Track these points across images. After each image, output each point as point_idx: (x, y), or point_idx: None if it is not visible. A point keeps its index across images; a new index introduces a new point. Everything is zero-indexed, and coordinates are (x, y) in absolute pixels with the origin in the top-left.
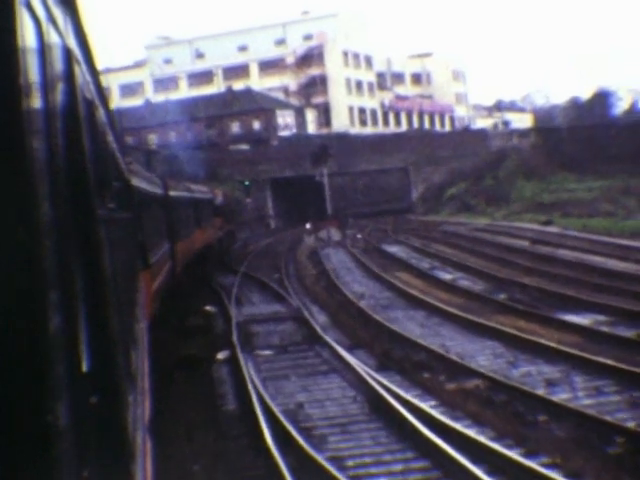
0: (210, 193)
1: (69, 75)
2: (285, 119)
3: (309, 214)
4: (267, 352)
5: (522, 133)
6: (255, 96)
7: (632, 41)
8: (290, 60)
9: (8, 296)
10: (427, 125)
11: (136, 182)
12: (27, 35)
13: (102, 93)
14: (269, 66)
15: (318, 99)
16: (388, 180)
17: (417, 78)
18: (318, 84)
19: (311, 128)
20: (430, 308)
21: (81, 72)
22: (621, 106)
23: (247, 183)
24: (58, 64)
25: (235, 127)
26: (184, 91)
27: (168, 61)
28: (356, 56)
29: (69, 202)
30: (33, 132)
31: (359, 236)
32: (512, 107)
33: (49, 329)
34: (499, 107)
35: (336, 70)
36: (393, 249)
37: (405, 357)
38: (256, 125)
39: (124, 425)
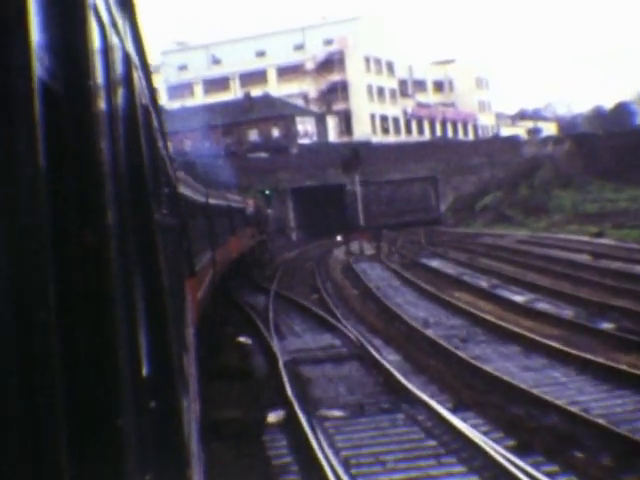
0: (242, 202)
1: (128, 80)
2: (305, 126)
3: (333, 226)
4: (336, 413)
5: (557, 140)
6: (274, 102)
7: None
8: (309, 66)
9: (77, 299)
10: (450, 134)
11: (182, 189)
12: (94, 39)
13: (155, 98)
14: (288, 72)
15: (339, 106)
16: (415, 190)
17: (439, 85)
18: (339, 91)
19: (332, 136)
20: (524, 342)
21: (138, 77)
22: None
23: (268, 192)
24: (119, 68)
25: (253, 135)
26: (199, 98)
27: (183, 67)
28: (378, 62)
29: (131, 206)
30: (101, 136)
31: (392, 249)
32: (536, 115)
33: (116, 333)
34: (523, 115)
35: (357, 76)
36: (435, 264)
37: (535, 423)
38: (275, 132)
39: (181, 430)
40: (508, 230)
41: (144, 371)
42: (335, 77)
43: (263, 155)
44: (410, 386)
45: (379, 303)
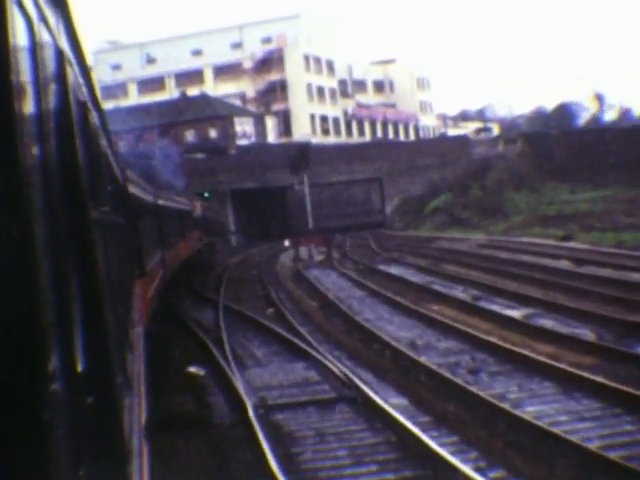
0: (190, 205)
1: (61, 76)
2: (244, 127)
3: (275, 230)
4: None
5: (508, 140)
6: (211, 102)
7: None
8: (247, 65)
9: (3, 297)
10: (391, 135)
11: (131, 188)
12: (18, 34)
13: (95, 95)
14: (225, 71)
15: (278, 106)
16: (359, 192)
17: (379, 86)
18: (278, 90)
19: (271, 137)
20: (556, 375)
21: (73, 73)
22: (585, 117)
23: (207, 195)
24: (50, 64)
25: (190, 135)
26: (134, 98)
27: (117, 67)
28: (317, 61)
29: (62, 204)
30: (25, 133)
31: (342, 254)
32: (478, 117)
33: (44, 328)
34: (465, 116)
35: (297, 75)
36: (395, 270)
37: None
38: (213, 133)
39: (120, 426)
40: (463, 234)
41: (79, 366)
42: (274, 76)
43: (200, 156)
44: (440, 450)
45: (347, 319)
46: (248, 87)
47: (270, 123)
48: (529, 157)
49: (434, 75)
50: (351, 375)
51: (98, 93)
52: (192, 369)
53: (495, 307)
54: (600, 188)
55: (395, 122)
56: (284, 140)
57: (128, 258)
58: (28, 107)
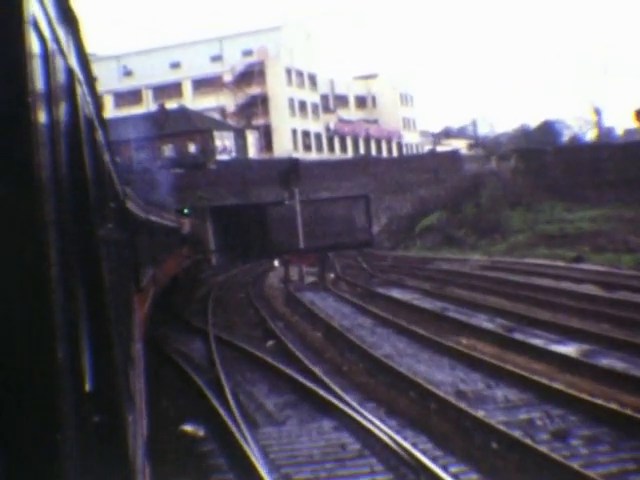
0: (177, 222)
1: (72, 94)
2: (224, 142)
3: (257, 248)
4: None
5: (502, 156)
6: (190, 116)
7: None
8: (227, 78)
9: (15, 316)
10: (374, 152)
11: (129, 204)
12: (34, 54)
13: (101, 113)
14: (204, 85)
15: (258, 121)
16: (343, 210)
17: (362, 101)
18: (258, 104)
19: (252, 152)
20: None
21: (82, 92)
22: (568, 134)
23: (186, 211)
24: (62, 83)
25: (168, 150)
26: (110, 112)
27: None
28: (300, 74)
29: (72, 220)
30: (40, 150)
31: (332, 275)
32: (461, 134)
33: (56, 348)
34: (448, 134)
35: (278, 89)
36: (398, 294)
37: None
38: (192, 148)
39: (126, 444)
40: (459, 254)
41: (87, 386)
42: (255, 90)
43: (179, 171)
44: None
45: (365, 355)
46: (228, 101)
47: (251, 138)
48: (523, 174)
49: (417, 91)
50: (402, 441)
51: (103, 110)
52: (187, 427)
53: (538, 341)
54: (598, 206)
55: (378, 139)
56: (265, 156)
57: (128, 274)
58: (42, 126)
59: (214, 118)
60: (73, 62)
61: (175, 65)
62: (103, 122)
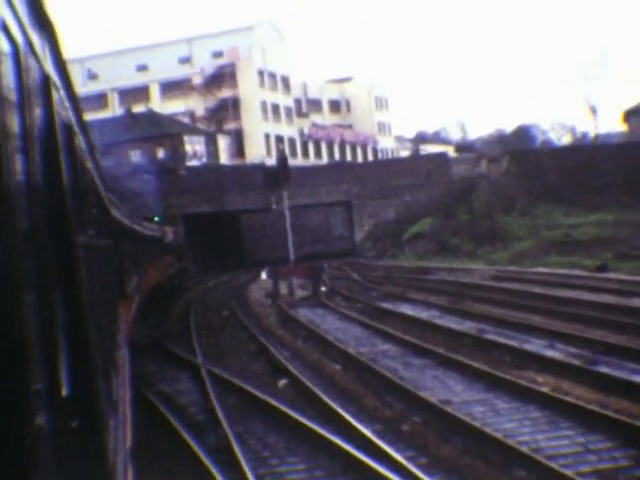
0: (159, 230)
1: (47, 99)
2: (194, 147)
3: (234, 259)
4: None
5: (492, 158)
6: (159, 120)
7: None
8: (197, 81)
9: None
10: (349, 157)
11: (114, 212)
12: (3, 57)
13: (82, 119)
14: (172, 88)
15: (230, 125)
16: (322, 217)
17: (335, 105)
18: (230, 108)
19: (223, 158)
20: None
21: (59, 97)
22: (541, 139)
23: (157, 219)
24: (35, 88)
25: (136, 155)
26: None
27: None
28: (272, 76)
29: (46, 227)
30: (10, 156)
31: (323, 288)
32: (435, 139)
33: (28, 352)
34: (423, 138)
35: (250, 92)
36: (410, 311)
37: None
38: (161, 153)
39: (104, 449)
40: (457, 263)
41: (64, 391)
42: (225, 93)
43: (147, 177)
44: None
45: (419, 404)
46: (198, 105)
47: (222, 143)
48: (515, 177)
49: (392, 95)
50: None
51: (84, 116)
52: None
53: (630, 375)
54: (596, 210)
55: (353, 144)
56: (238, 161)
57: (112, 281)
58: (13, 131)
59: (184, 122)
60: (49, 67)
61: (142, 68)
62: (84, 127)
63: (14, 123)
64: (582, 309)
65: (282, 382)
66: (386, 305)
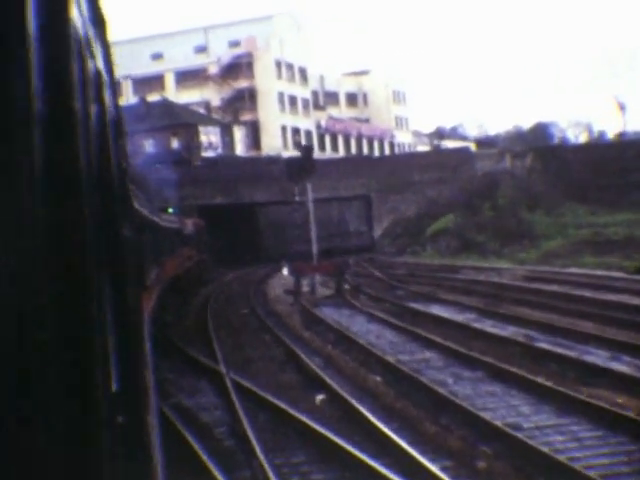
0: (178, 222)
1: (99, 97)
2: (209, 137)
3: (245, 253)
4: None
5: (516, 154)
6: (174, 109)
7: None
8: (213, 70)
9: (56, 316)
10: (366, 151)
11: (136, 204)
12: (73, 57)
13: (120, 116)
14: (188, 77)
15: (246, 117)
16: (338, 211)
17: (352, 98)
18: (246, 99)
19: (239, 149)
20: None
21: (108, 94)
22: (559, 136)
23: (171, 210)
24: (92, 86)
25: (149, 145)
26: None
27: None
28: (290, 67)
29: (100, 221)
30: (80, 155)
31: (346, 286)
32: (453, 134)
33: (92, 350)
34: (441, 134)
35: (267, 83)
36: (442, 312)
37: None
38: (175, 143)
39: (148, 445)
40: (482, 262)
41: (113, 386)
42: (242, 84)
43: (160, 167)
44: None
45: (485, 430)
46: (213, 95)
47: (238, 134)
48: (540, 173)
49: (409, 89)
50: None
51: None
52: None
53: None
54: (624, 210)
55: (370, 138)
56: (253, 153)
57: (137, 273)
58: (79, 129)
59: (199, 112)
60: (100, 64)
61: (157, 56)
62: (121, 124)
63: (80, 122)
64: (633, 315)
65: (319, 397)
66: (416, 306)
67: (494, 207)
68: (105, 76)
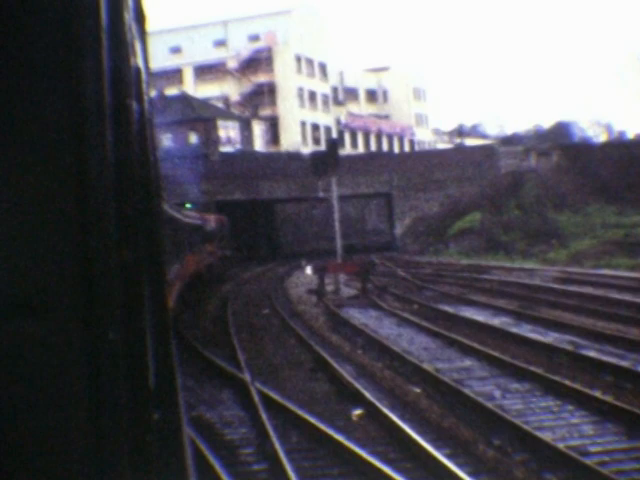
0: (199, 218)
1: (139, 94)
2: (228, 132)
3: (263, 250)
4: None
5: (542, 152)
6: (192, 103)
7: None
8: (232, 65)
9: (91, 303)
10: (385, 148)
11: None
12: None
13: (153, 111)
14: (206, 71)
15: (265, 112)
16: (358, 208)
17: (372, 95)
18: (265, 94)
19: (258, 144)
20: None
21: (146, 91)
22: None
23: (189, 206)
24: (134, 84)
25: (167, 139)
26: None
27: None
28: (310, 62)
29: (141, 217)
30: (133, 150)
31: (373, 286)
32: (473, 132)
33: (146, 346)
34: (461, 132)
35: (287, 78)
36: (477, 315)
37: None
38: (193, 138)
39: (183, 442)
40: (510, 262)
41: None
42: (261, 78)
43: (178, 162)
44: None
45: (542, 453)
46: (232, 89)
47: (257, 129)
48: (566, 172)
49: (430, 86)
50: None
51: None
52: None
53: None
54: None
55: (390, 135)
56: (272, 149)
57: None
58: (135, 129)
59: (218, 107)
60: (140, 61)
61: (175, 50)
62: (153, 120)
63: (135, 121)
64: None
65: (357, 412)
66: (447, 308)
67: (520, 206)
68: (144, 74)
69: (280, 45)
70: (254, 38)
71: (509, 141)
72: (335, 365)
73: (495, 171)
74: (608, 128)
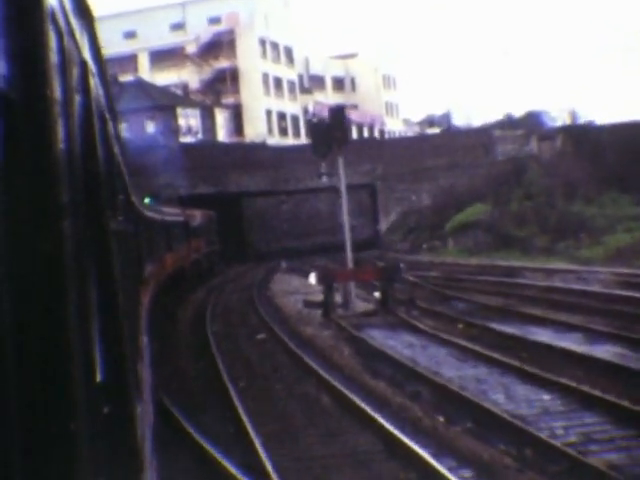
0: (181, 215)
1: (85, 87)
2: (188, 121)
3: (229, 250)
4: None
5: (543, 136)
6: (149, 90)
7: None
8: (191, 49)
9: (30, 305)
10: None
11: (133, 197)
12: (51, 47)
13: (112, 105)
14: (164, 57)
15: (228, 99)
16: (326, 204)
17: (339, 83)
18: (227, 80)
19: (221, 134)
20: None
21: (95, 84)
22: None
23: (148, 200)
24: (76, 77)
25: (122, 130)
26: None
27: None
28: (275, 46)
29: (85, 214)
30: (57, 144)
31: (376, 294)
32: (444, 122)
33: (69, 339)
34: (431, 122)
35: (251, 63)
36: (558, 340)
37: None
38: (150, 127)
39: (135, 435)
40: (526, 261)
41: (98, 377)
42: (223, 63)
43: (135, 153)
44: None
45: None
46: (192, 76)
47: (220, 118)
48: (572, 158)
49: (400, 74)
50: None
51: (114, 102)
52: None
53: None
54: None
55: (359, 124)
56: (236, 140)
57: (135, 266)
58: (59, 119)
59: (177, 94)
60: (87, 55)
61: (130, 35)
62: (114, 113)
63: (58, 111)
64: None
65: None
66: (504, 328)
67: (528, 196)
68: (92, 67)
69: (243, 27)
70: (215, 20)
71: (510, 124)
72: (408, 443)
73: (490, 158)
74: (574, 116)
